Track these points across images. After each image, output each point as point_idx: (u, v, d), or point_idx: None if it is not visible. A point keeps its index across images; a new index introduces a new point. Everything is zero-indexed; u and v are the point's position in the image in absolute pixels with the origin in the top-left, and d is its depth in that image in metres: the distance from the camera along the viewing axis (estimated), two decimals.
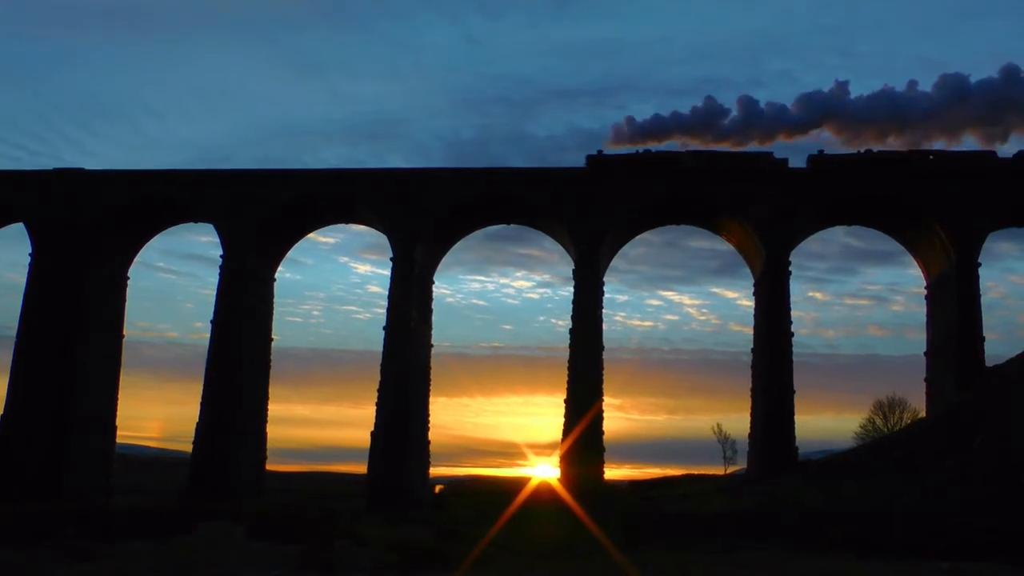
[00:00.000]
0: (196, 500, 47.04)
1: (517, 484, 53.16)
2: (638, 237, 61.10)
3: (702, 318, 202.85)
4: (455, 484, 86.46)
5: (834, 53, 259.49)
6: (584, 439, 50.29)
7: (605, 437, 51.53)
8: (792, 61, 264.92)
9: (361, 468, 54.40)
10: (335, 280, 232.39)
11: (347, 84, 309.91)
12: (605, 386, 52.69)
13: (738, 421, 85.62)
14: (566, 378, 52.48)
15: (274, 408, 59.35)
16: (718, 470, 73.53)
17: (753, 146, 67.99)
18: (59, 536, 27.63)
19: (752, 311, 55.51)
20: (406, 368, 54.02)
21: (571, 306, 54.11)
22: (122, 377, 60.46)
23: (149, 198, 58.08)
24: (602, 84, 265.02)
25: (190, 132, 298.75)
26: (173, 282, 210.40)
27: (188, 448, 54.91)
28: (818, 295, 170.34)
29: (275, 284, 60.77)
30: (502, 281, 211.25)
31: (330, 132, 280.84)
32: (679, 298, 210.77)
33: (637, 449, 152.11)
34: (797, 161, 54.89)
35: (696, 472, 72.73)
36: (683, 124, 68.76)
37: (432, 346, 58.99)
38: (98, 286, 58.83)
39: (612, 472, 59.87)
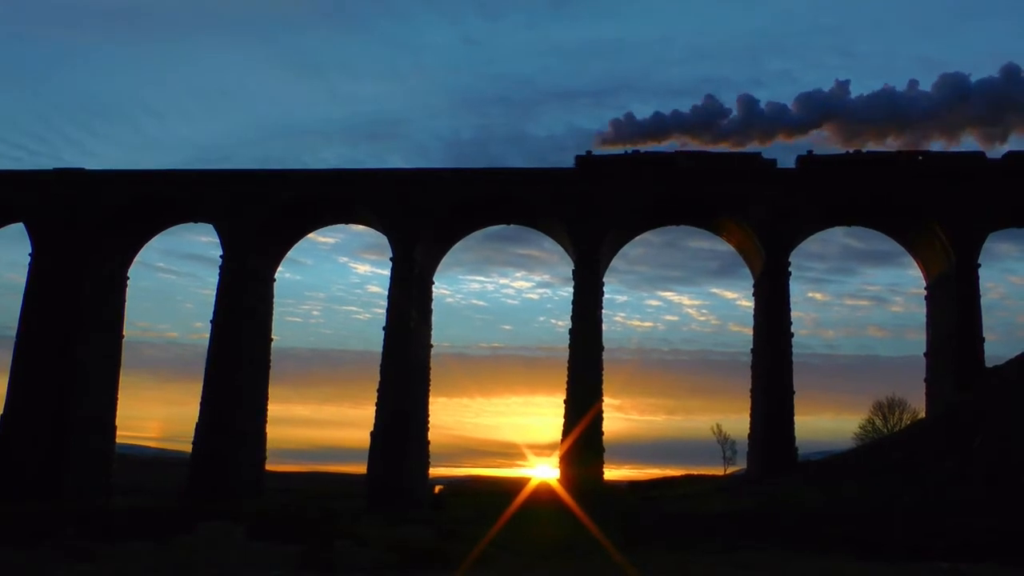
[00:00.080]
0: (196, 500, 47.04)
1: (517, 484, 53.24)
2: (638, 238, 61.21)
3: (702, 318, 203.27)
4: (455, 484, 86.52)
5: (834, 53, 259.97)
6: (584, 439, 50.29)
7: (605, 437, 51.56)
8: (792, 61, 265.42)
9: (361, 468, 54.43)
10: (335, 280, 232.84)
11: (347, 84, 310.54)
12: (605, 386, 52.73)
13: (738, 421, 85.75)
14: (566, 378, 52.49)
15: (274, 408, 59.49)
16: (718, 471, 73.65)
17: (753, 146, 68.18)
18: (59, 536, 27.62)
19: (752, 311, 55.58)
20: (406, 368, 54.01)
21: (571, 306, 54.12)
22: (122, 377, 60.54)
23: (149, 198, 58.09)
24: (602, 84, 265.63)
25: (190, 132, 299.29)
26: (173, 282, 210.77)
27: (188, 448, 54.93)
28: (818, 295, 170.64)
29: (275, 284, 60.83)
30: (502, 281, 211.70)
31: (330, 132, 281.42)
32: (679, 298, 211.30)
33: (637, 449, 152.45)
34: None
35: (696, 472, 72.82)
36: (683, 123, 68.83)
37: (432, 346, 59.02)
38: (98, 286, 58.83)
39: (612, 472, 60.04)
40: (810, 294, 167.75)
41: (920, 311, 57.13)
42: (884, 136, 67.70)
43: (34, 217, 58.28)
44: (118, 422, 59.86)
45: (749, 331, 55.17)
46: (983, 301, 50.92)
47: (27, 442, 53.95)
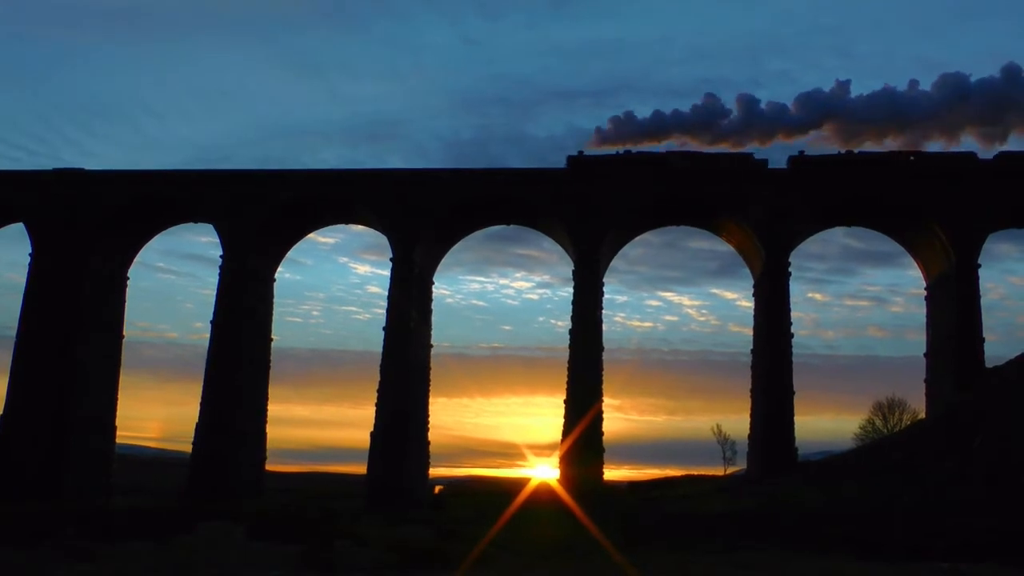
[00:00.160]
0: (196, 500, 47.05)
1: (517, 485, 53.25)
2: (638, 238, 61.21)
3: (701, 319, 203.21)
4: (455, 485, 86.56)
5: (833, 53, 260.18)
6: (584, 440, 50.30)
7: (605, 438, 51.59)
8: (792, 61, 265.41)
9: (361, 468, 54.45)
10: (335, 280, 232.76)
11: (347, 84, 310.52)
12: (605, 387, 52.76)
13: (738, 422, 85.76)
14: (566, 379, 52.50)
15: (274, 408, 59.52)
16: (718, 471, 73.53)
17: (753, 146, 68.20)
18: (59, 536, 27.63)
19: (752, 312, 55.61)
20: (406, 368, 54.02)
21: (571, 307, 54.14)
22: (122, 377, 60.59)
23: (149, 198, 58.09)
24: (602, 84, 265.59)
25: (190, 132, 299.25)
26: (173, 282, 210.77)
27: (188, 448, 54.95)
28: (818, 296, 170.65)
29: (275, 284, 60.83)
30: (502, 282, 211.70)
31: (330, 132, 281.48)
32: (678, 299, 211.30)
33: (637, 450, 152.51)
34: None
35: (696, 473, 72.60)
36: (683, 123, 68.81)
37: (432, 346, 59.03)
38: (98, 286, 58.83)
39: (612, 473, 60.09)
40: (810, 294, 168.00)
41: (920, 311, 57.27)
42: (884, 136, 67.77)
43: (34, 217, 58.30)
44: (118, 422, 60.04)
45: (749, 331, 55.29)
46: (983, 301, 51.06)
47: (27, 442, 53.96)
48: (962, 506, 30.77)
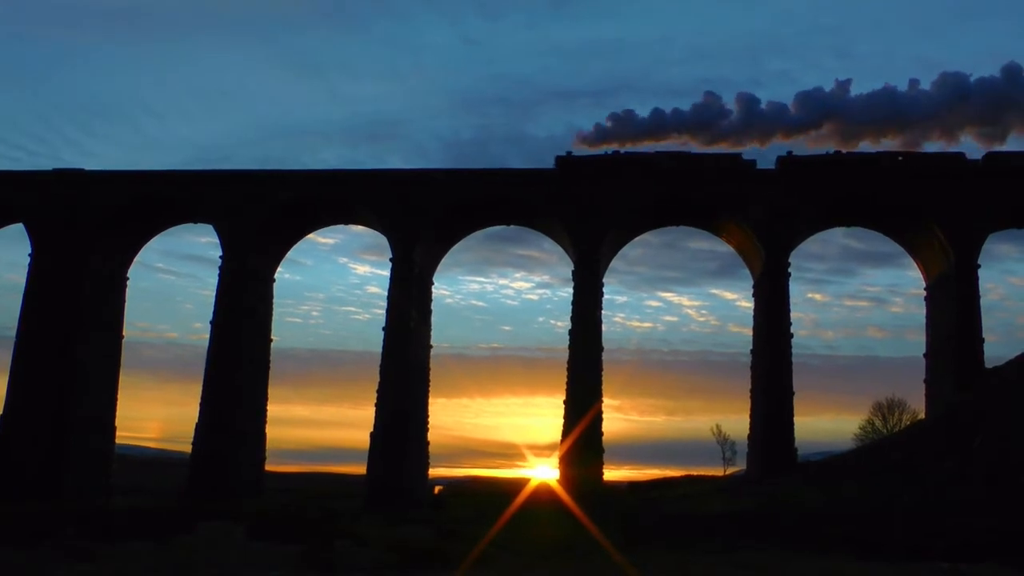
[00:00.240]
0: (196, 500, 47.03)
1: (516, 485, 53.21)
2: (637, 238, 61.22)
3: (701, 319, 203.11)
4: (454, 485, 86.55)
5: (833, 53, 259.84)
6: (583, 440, 50.31)
7: (604, 438, 51.61)
8: (791, 61, 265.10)
9: (361, 469, 54.45)
10: (334, 281, 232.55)
11: (347, 84, 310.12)
12: (604, 387, 52.77)
13: (737, 422, 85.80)
14: (565, 379, 52.51)
15: (273, 409, 59.50)
16: (717, 471, 73.56)
17: (753, 146, 68.21)
18: (59, 536, 27.63)
19: (751, 312, 55.64)
20: (405, 369, 54.03)
21: (570, 307, 54.14)
22: (122, 377, 60.61)
23: (149, 198, 58.10)
24: (602, 84, 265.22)
25: (190, 132, 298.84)
26: (173, 282, 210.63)
27: (188, 448, 54.96)
28: (817, 296, 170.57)
29: (275, 284, 60.85)
30: (501, 282, 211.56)
31: (330, 132, 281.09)
32: (678, 299, 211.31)
33: (636, 450, 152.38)
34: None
35: (696, 473, 72.58)
36: (683, 122, 68.76)
37: (431, 347, 59.03)
38: (98, 286, 58.83)
39: (611, 473, 60.09)
40: (810, 295, 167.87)
41: (920, 312, 57.29)
42: (884, 136, 67.74)
43: (34, 217, 58.30)
44: (118, 422, 60.06)
45: (749, 332, 55.33)
46: (983, 302, 51.12)
47: (27, 442, 53.96)
48: (962, 506, 30.78)
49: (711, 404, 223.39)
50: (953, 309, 50.91)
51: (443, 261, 61.51)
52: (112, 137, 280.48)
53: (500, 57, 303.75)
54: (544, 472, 55.97)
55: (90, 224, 57.51)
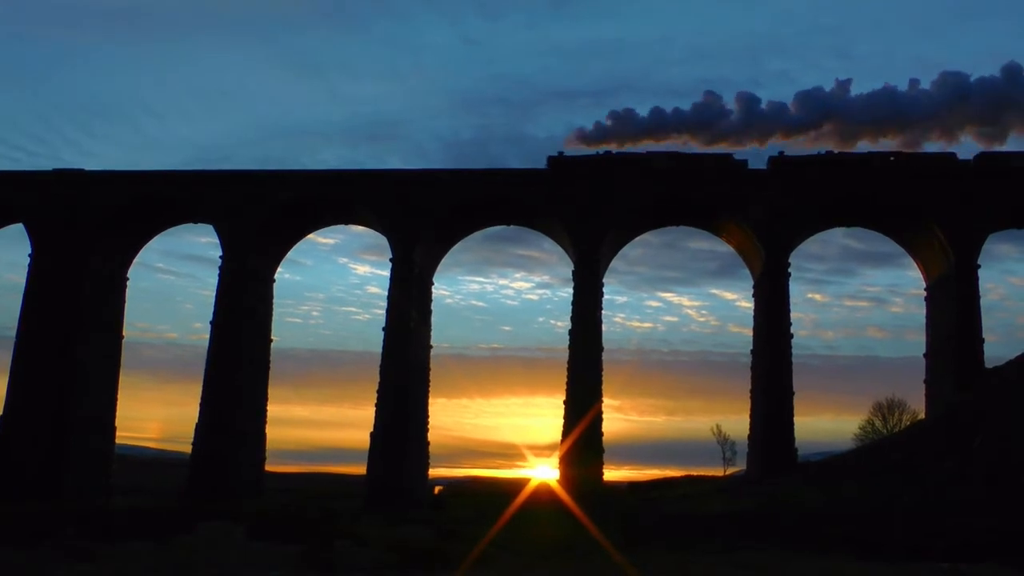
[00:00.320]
0: (196, 500, 47.03)
1: (516, 485, 53.22)
2: (637, 238, 61.20)
3: (701, 319, 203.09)
4: (454, 485, 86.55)
5: (833, 53, 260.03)
6: (583, 440, 50.30)
7: (604, 438, 51.59)
8: (791, 62, 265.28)
9: (360, 469, 54.45)
10: (334, 281, 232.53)
11: (347, 84, 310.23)
12: (604, 387, 52.75)
13: (737, 422, 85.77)
14: (565, 379, 52.49)
15: (273, 409, 59.48)
16: (717, 471, 73.57)
17: (753, 146, 68.22)
18: (59, 536, 27.62)
19: (751, 312, 55.63)
20: (405, 369, 54.03)
21: (570, 307, 54.13)
22: (122, 377, 60.57)
23: (149, 198, 58.10)
24: (602, 84, 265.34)
25: (190, 132, 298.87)
26: (172, 283, 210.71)
27: (188, 448, 54.94)
28: (817, 296, 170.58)
29: (275, 285, 60.84)
30: (501, 282, 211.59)
31: (330, 132, 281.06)
32: (678, 299, 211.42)
33: (636, 450, 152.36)
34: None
35: (696, 473, 72.57)
36: (683, 121, 68.81)
37: (431, 347, 59.02)
38: (98, 286, 58.82)
39: (611, 473, 60.10)
40: (810, 295, 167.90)
41: (920, 312, 57.28)
42: (883, 136, 67.76)
43: (34, 217, 58.29)
44: (118, 422, 60.02)
45: (749, 332, 55.31)
46: (983, 302, 51.08)
47: (27, 442, 53.95)
48: (962, 506, 30.77)
49: (711, 404, 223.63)
50: (953, 309, 50.90)
51: (443, 261, 61.55)
52: (112, 137, 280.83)
53: (500, 57, 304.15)
54: (544, 472, 56.04)
55: (90, 224, 57.50)
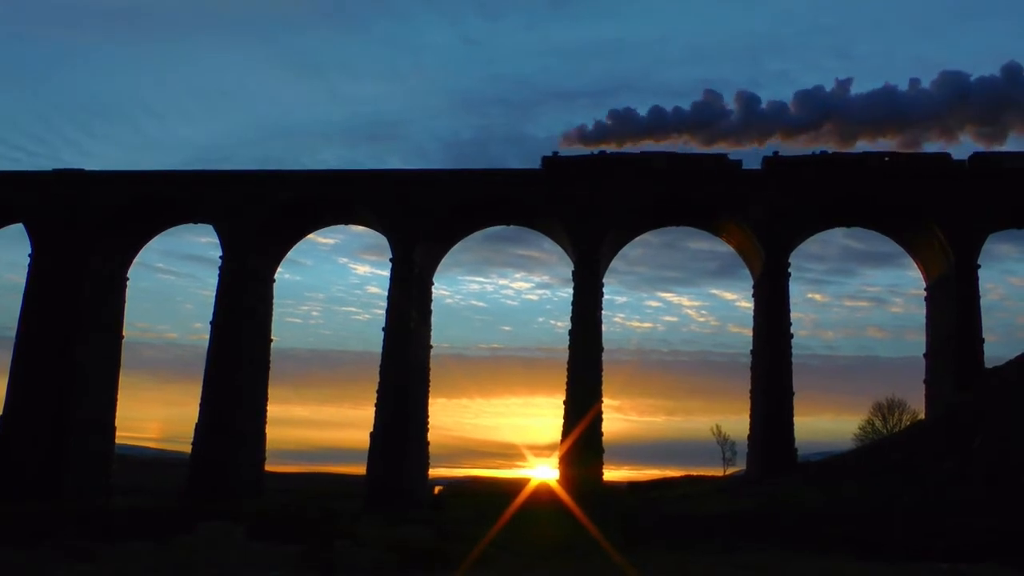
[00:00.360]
0: (196, 500, 47.04)
1: (516, 485, 53.19)
2: (637, 238, 61.21)
3: (701, 319, 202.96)
4: (454, 485, 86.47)
5: (833, 53, 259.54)
6: (583, 440, 50.32)
7: (604, 438, 51.64)
8: (791, 62, 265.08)
9: (360, 469, 54.47)
10: (334, 281, 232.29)
11: (347, 84, 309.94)
12: (604, 387, 52.79)
13: (737, 422, 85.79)
14: (565, 379, 52.52)
15: (273, 409, 59.52)
16: (717, 471, 73.51)
17: (752, 146, 68.21)
18: (59, 536, 27.62)
19: (751, 312, 55.66)
20: (405, 369, 54.04)
21: (570, 307, 54.15)
22: (122, 378, 60.63)
23: (149, 198, 58.12)
24: (601, 84, 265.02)
25: (190, 132, 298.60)
26: (172, 283, 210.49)
27: (188, 449, 54.96)
28: (817, 296, 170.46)
29: (275, 285, 60.86)
30: (501, 282, 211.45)
31: (330, 133, 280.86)
32: (678, 299, 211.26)
33: (636, 450, 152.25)
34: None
35: (695, 473, 72.55)
36: (682, 121, 68.73)
37: (431, 347, 59.05)
38: (98, 286, 58.83)
39: (611, 473, 60.14)
40: (810, 295, 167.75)
41: (920, 312, 57.31)
42: (883, 136, 67.70)
43: (34, 217, 58.32)
44: (118, 423, 60.09)
45: (749, 332, 55.37)
46: (983, 302, 51.15)
47: (27, 442, 53.97)
48: (962, 506, 30.77)
49: (711, 404, 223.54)
50: (953, 309, 50.92)
51: (443, 261, 61.59)
52: (112, 137, 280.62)
53: (500, 57, 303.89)
54: (544, 472, 56.03)
55: (90, 224, 57.51)
